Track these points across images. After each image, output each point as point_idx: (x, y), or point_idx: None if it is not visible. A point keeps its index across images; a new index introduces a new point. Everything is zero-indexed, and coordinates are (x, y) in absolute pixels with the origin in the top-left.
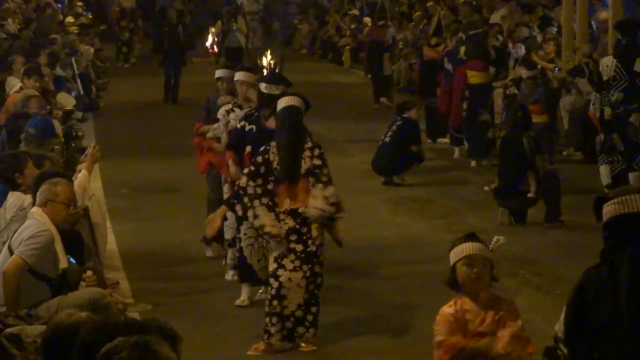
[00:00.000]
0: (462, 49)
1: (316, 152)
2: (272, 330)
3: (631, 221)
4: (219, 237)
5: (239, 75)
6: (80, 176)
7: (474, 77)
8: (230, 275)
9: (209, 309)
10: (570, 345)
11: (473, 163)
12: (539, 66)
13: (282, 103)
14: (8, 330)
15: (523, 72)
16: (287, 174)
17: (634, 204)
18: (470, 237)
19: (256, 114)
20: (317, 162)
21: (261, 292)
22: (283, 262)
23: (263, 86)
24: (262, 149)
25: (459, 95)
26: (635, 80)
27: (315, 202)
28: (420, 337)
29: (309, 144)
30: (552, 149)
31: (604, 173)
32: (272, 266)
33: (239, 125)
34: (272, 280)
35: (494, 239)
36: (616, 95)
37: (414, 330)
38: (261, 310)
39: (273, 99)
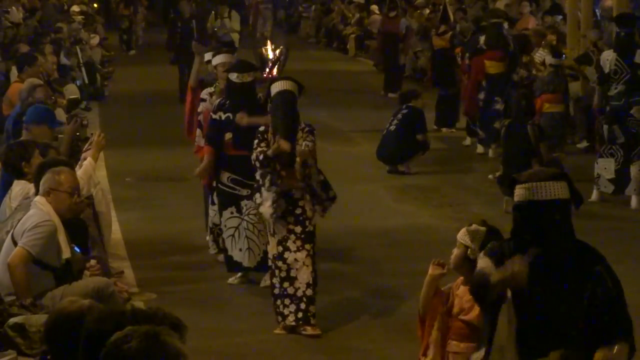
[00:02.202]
0: (482, 38)
1: (306, 130)
2: (286, 311)
3: (537, 208)
4: None
5: (219, 58)
6: (85, 164)
7: (492, 67)
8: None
9: (214, 298)
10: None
11: (480, 149)
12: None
13: (276, 88)
14: (12, 319)
15: (548, 58)
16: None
17: (541, 192)
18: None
19: (227, 102)
20: (309, 138)
21: (265, 280)
22: (287, 244)
23: (234, 76)
24: (260, 129)
25: (475, 84)
26: (637, 72)
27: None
28: None
29: (302, 126)
30: (563, 138)
31: (607, 167)
32: (276, 249)
33: (214, 117)
34: (279, 263)
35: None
36: (619, 87)
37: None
38: (267, 298)
39: (245, 86)
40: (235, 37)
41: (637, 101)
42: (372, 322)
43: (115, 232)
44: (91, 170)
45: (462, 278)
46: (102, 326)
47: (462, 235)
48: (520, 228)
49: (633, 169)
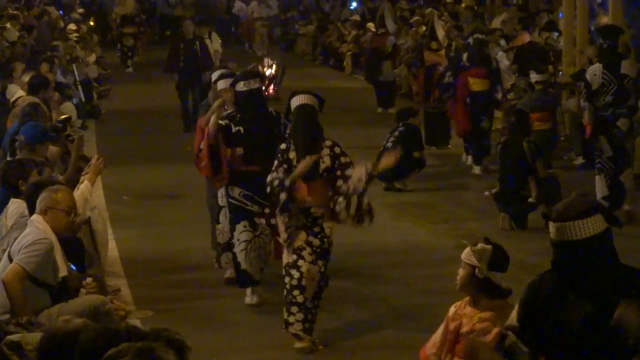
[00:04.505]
0: (465, 55)
1: (337, 150)
2: (291, 319)
3: (570, 247)
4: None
5: (221, 84)
6: (82, 187)
7: (476, 84)
8: (228, 273)
9: (211, 316)
10: (524, 341)
11: (477, 170)
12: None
13: (295, 102)
14: (9, 337)
15: (533, 75)
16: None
17: (571, 233)
18: (481, 241)
19: (238, 115)
20: (345, 159)
21: (250, 297)
22: (302, 253)
23: (241, 85)
24: (281, 147)
25: (463, 101)
26: (623, 83)
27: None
28: (423, 340)
29: (329, 142)
30: (550, 155)
31: (600, 185)
32: (290, 258)
33: (222, 123)
34: (293, 270)
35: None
36: (607, 99)
37: (416, 334)
38: (265, 315)
39: (253, 93)
40: (213, 56)
41: (622, 113)
42: (369, 337)
43: (112, 249)
44: (87, 193)
45: (468, 298)
46: (96, 344)
47: (467, 255)
48: (560, 264)
49: (624, 180)
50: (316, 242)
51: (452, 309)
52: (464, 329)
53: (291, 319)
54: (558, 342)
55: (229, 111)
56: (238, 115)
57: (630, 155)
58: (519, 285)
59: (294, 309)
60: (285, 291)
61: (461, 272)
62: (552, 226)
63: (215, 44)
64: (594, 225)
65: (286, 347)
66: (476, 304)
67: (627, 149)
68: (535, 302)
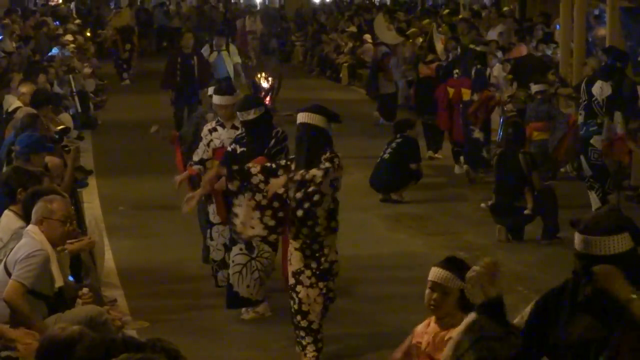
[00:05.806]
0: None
1: (327, 157)
2: (304, 342)
3: (594, 262)
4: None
5: (216, 100)
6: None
7: (465, 94)
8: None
9: (207, 327)
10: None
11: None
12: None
13: (298, 119)
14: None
15: (532, 87)
16: None
17: (596, 248)
18: (445, 262)
19: (246, 137)
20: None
21: (247, 311)
22: (301, 277)
23: (238, 114)
24: (292, 157)
25: (458, 110)
26: (592, 101)
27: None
28: None
29: (326, 155)
30: (554, 165)
31: (593, 200)
32: (290, 280)
33: (229, 148)
34: (293, 294)
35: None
36: (581, 112)
37: None
38: (261, 327)
39: (249, 123)
40: (230, 69)
41: (594, 131)
42: (365, 354)
43: (108, 260)
44: (65, 263)
45: (433, 317)
46: (93, 354)
47: (448, 279)
48: (581, 274)
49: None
50: (314, 264)
51: (417, 327)
52: (424, 345)
53: (304, 342)
54: (556, 353)
55: (238, 133)
56: (244, 137)
57: (609, 174)
58: (514, 295)
59: (301, 333)
60: (291, 314)
61: (440, 297)
62: (578, 237)
63: (234, 56)
64: (619, 243)
65: (282, 359)
66: (441, 320)
67: (607, 166)
68: (547, 307)
